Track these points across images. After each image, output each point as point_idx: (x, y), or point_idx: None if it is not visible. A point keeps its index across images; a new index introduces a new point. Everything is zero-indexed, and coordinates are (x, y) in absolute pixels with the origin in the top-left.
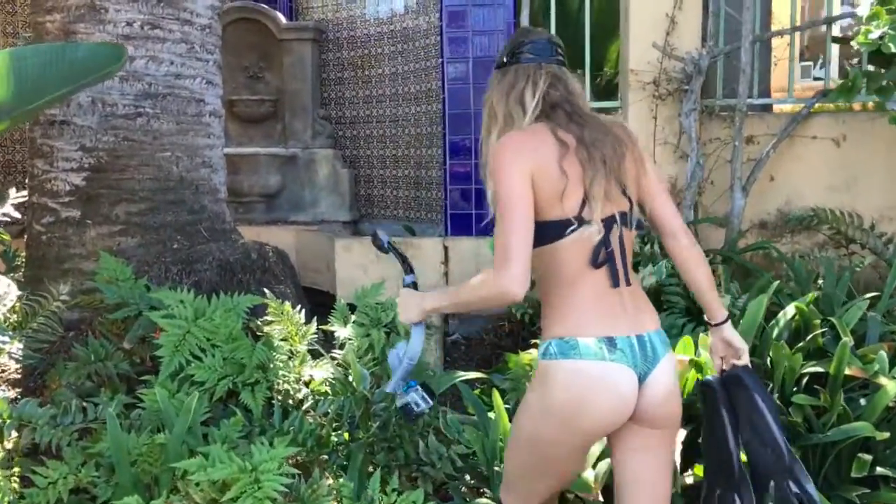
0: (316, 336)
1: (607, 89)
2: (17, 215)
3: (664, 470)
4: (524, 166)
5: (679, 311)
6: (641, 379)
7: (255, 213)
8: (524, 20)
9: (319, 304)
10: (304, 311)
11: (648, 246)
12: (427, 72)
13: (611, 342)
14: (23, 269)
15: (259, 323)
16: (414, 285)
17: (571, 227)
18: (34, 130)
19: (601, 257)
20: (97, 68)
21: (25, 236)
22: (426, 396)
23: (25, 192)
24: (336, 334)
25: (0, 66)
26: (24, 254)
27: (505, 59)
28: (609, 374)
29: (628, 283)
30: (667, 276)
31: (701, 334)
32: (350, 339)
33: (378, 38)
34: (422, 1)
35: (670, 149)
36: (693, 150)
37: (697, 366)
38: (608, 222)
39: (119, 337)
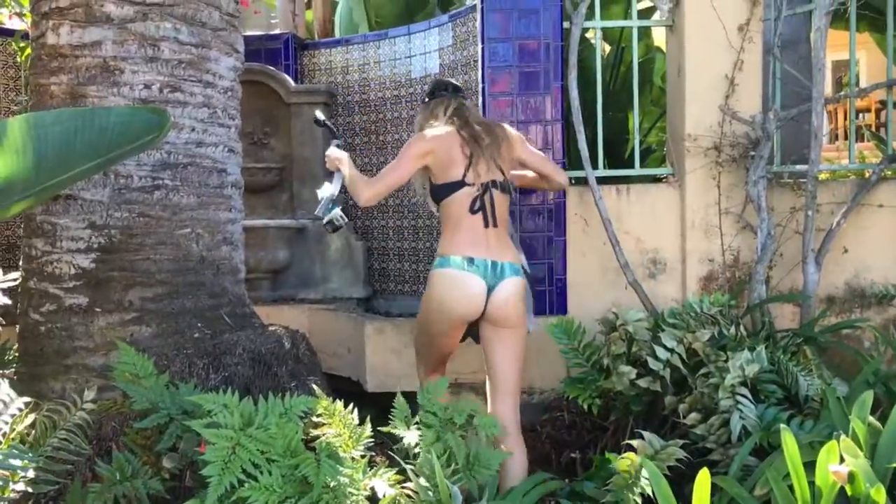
0: (372, 440)
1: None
2: (7, 301)
3: (511, 359)
4: (421, 148)
5: (777, 402)
6: (491, 289)
7: (261, 290)
8: (572, 83)
9: (336, 390)
10: (356, 410)
11: (733, 329)
12: None
13: (470, 260)
14: (15, 366)
15: (304, 425)
16: (339, 146)
17: (460, 186)
18: (33, 206)
19: (476, 206)
20: (133, 137)
21: (18, 327)
22: (343, 216)
23: (17, 275)
24: (403, 439)
25: (17, 134)
26: (16, 347)
27: (427, 98)
28: (465, 279)
29: (495, 226)
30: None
31: (843, 438)
32: (419, 445)
33: (394, 101)
34: (449, 63)
35: (733, 219)
36: (763, 220)
37: (851, 476)
38: (485, 185)
39: (146, 448)
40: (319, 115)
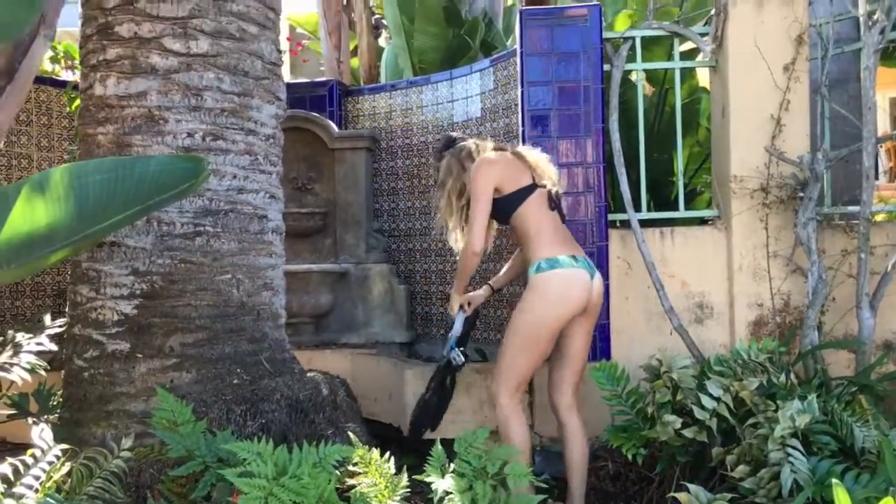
0: (408, 490)
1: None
2: (54, 347)
3: (587, 343)
4: (489, 171)
5: (831, 454)
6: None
7: (304, 335)
8: (613, 125)
9: (377, 435)
10: (392, 458)
11: (784, 376)
12: None
13: (574, 258)
14: (59, 411)
15: (339, 474)
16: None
17: (532, 189)
18: (79, 253)
19: (554, 203)
20: (172, 185)
21: (63, 372)
22: (461, 356)
23: (63, 321)
24: (434, 486)
25: (58, 183)
26: (60, 392)
27: (443, 150)
28: (577, 275)
29: (564, 221)
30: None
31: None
32: (450, 494)
33: (436, 145)
34: (490, 107)
35: (782, 262)
36: (814, 263)
37: None
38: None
39: (181, 496)
40: (453, 355)
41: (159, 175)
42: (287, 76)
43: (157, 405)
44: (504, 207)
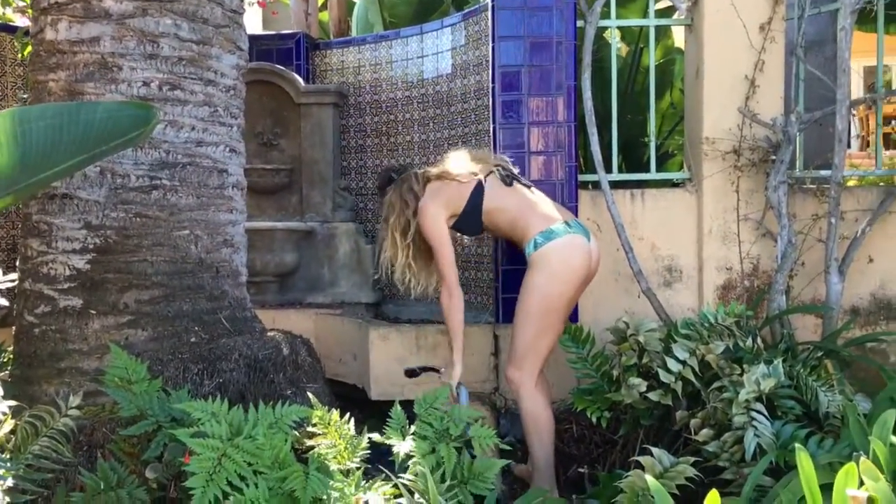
0: (368, 451)
1: (663, 159)
2: (5, 303)
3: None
4: (439, 214)
5: (795, 418)
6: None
7: (268, 294)
8: (585, 84)
9: (341, 396)
10: (352, 420)
11: (750, 341)
12: (466, 139)
13: (567, 224)
14: (9, 368)
15: (298, 435)
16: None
17: (482, 186)
18: (30, 206)
19: (507, 181)
20: (120, 133)
21: (14, 328)
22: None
23: (14, 276)
24: (395, 450)
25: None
26: (11, 349)
27: (386, 187)
28: (576, 240)
29: (531, 188)
30: (785, 379)
31: (862, 459)
32: (413, 457)
33: (406, 102)
34: (461, 63)
35: (752, 225)
36: (784, 227)
37: (871, 502)
38: (489, 170)
39: (133, 456)
40: (413, 368)
41: (107, 122)
42: (257, 31)
43: (111, 363)
44: (468, 223)
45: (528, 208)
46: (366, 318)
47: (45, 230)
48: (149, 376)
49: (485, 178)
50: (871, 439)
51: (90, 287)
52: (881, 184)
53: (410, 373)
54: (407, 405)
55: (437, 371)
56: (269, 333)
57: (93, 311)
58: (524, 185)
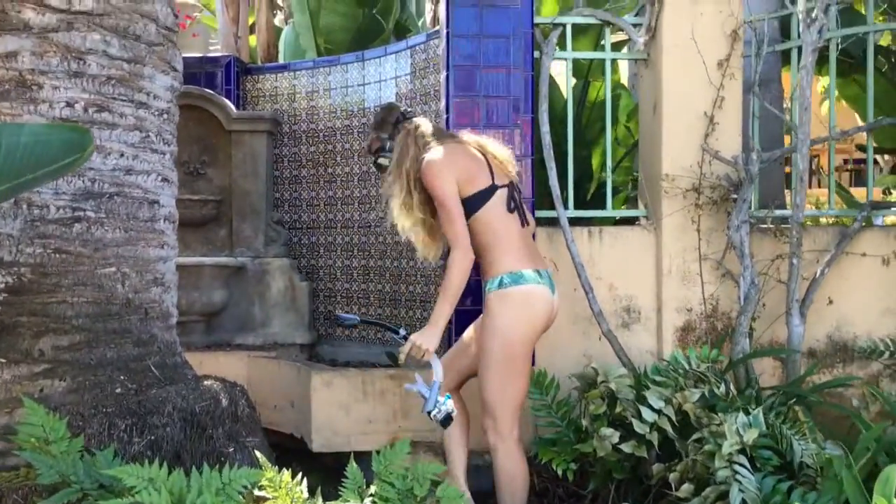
0: None
1: (598, 195)
2: None
3: None
4: (446, 173)
5: (773, 470)
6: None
7: (194, 334)
8: (543, 116)
9: (276, 446)
10: (304, 480)
11: (723, 387)
12: None
13: (538, 273)
14: None
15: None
16: (407, 334)
17: (492, 192)
18: None
19: (512, 205)
20: (49, 160)
21: None
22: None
23: None
24: None
25: None
26: None
27: (391, 126)
28: (543, 294)
29: (527, 224)
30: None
31: None
32: None
33: (345, 132)
34: (406, 92)
35: (711, 265)
36: (747, 267)
37: None
38: (510, 184)
39: None
40: (348, 315)
41: (33, 147)
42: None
43: (24, 418)
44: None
45: (508, 241)
46: (302, 360)
47: None
48: (69, 434)
49: (500, 185)
50: (876, 498)
51: (0, 331)
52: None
53: (341, 321)
54: (358, 458)
55: (393, 330)
56: (205, 382)
57: (2, 360)
58: (522, 218)
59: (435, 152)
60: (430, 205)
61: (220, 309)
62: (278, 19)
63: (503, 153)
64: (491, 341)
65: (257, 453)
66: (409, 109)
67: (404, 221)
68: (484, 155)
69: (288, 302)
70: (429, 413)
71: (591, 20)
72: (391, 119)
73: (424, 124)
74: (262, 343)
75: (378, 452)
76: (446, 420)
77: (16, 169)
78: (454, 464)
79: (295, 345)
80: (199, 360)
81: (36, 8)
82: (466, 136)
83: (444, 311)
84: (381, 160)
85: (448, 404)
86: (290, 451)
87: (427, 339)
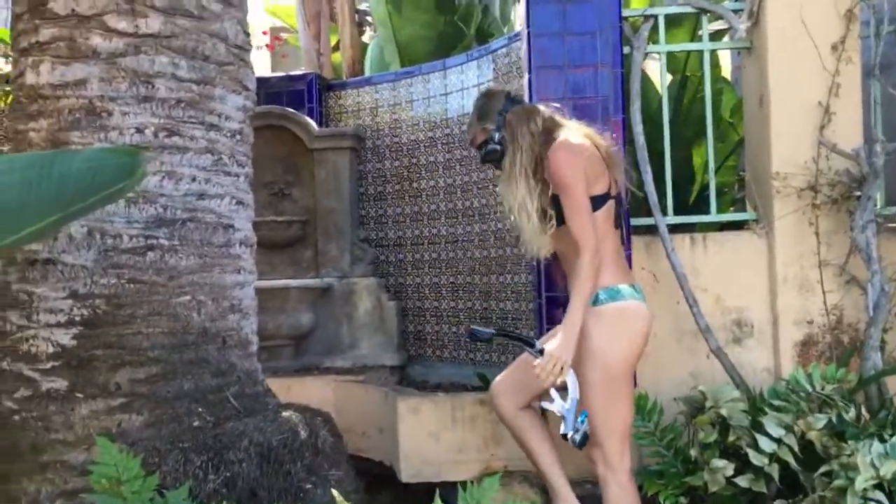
0: None
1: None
2: None
3: None
4: (581, 165)
5: None
6: None
7: (282, 358)
8: (635, 115)
9: (367, 473)
10: None
11: (853, 411)
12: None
13: (633, 287)
14: None
15: None
16: (540, 350)
17: (605, 200)
18: (8, 272)
19: (619, 221)
20: (101, 185)
21: None
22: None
23: None
24: None
25: None
26: None
27: (509, 104)
28: (644, 311)
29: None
30: None
31: None
32: None
33: (429, 144)
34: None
35: (833, 271)
36: (875, 273)
37: None
38: (619, 198)
39: None
40: (482, 329)
41: (85, 174)
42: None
43: (98, 458)
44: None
45: (609, 255)
46: (391, 384)
47: (26, 300)
48: (143, 473)
49: (612, 195)
50: None
51: (76, 366)
52: None
53: (476, 335)
54: (447, 488)
55: (528, 343)
56: (284, 413)
57: (79, 395)
58: (622, 235)
59: (572, 135)
60: (546, 196)
61: (307, 331)
62: (367, 36)
63: (618, 156)
64: (588, 364)
65: (333, 491)
66: (516, 93)
67: (523, 219)
68: (607, 161)
69: (376, 322)
70: (564, 436)
71: (686, 9)
72: (496, 106)
73: (541, 105)
74: (352, 366)
75: (464, 488)
76: (584, 441)
77: (69, 197)
78: (557, 485)
79: (384, 367)
80: (287, 386)
81: (103, 34)
82: (578, 125)
83: (577, 317)
84: (491, 148)
85: (586, 423)
86: (382, 478)
87: (564, 349)
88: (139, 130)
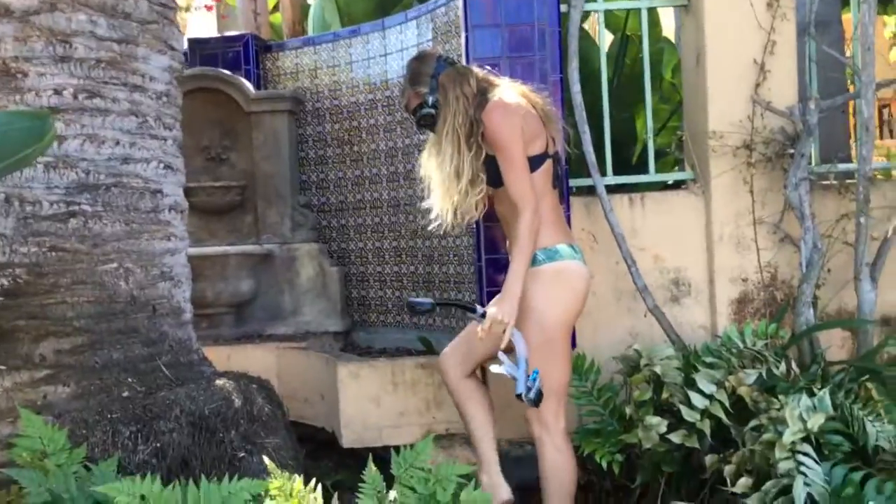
0: None
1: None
2: None
3: None
4: (518, 125)
5: (843, 457)
6: None
7: (223, 326)
8: (573, 75)
9: (309, 439)
10: (318, 488)
11: (783, 365)
12: None
13: (572, 248)
14: None
15: None
16: (485, 312)
17: (543, 160)
18: None
19: (557, 181)
20: (9, 150)
21: None
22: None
23: None
24: None
25: None
26: None
27: (441, 65)
28: (582, 271)
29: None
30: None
31: None
32: None
33: (369, 106)
34: None
35: (768, 229)
36: (808, 230)
37: None
38: (556, 155)
39: None
40: (421, 300)
41: None
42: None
43: (22, 430)
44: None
45: (546, 215)
46: (333, 350)
47: None
48: (69, 445)
49: (550, 155)
50: None
51: None
52: None
53: (415, 308)
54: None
55: (469, 309)
56: (218, 381)
57: (2, 367)
58: (561, 194)
59: (507, 94)
60: (479, 161)
61: (248, 299)
62: None
63: (555, 114)
64: (525, 324)
65: (265, 458)
66: (448, 55)
67: (452, 184)
68: (544, 119)
69: (319, 288)
70: (518, 396)
71: None
72: (428, 70)
73: (475, 67)
74: (294, 332)
75: (398, 452)
76: (538, 398)
77: None
78: (486, 454)
79: (328, 333)
80: (227, 354)
81: None
82: (513, 84)
83: (518, 278)
84: (426, 112)
85: (538, 381)
86: (325, 444)
87: (506, 311)
88: (57, 92)
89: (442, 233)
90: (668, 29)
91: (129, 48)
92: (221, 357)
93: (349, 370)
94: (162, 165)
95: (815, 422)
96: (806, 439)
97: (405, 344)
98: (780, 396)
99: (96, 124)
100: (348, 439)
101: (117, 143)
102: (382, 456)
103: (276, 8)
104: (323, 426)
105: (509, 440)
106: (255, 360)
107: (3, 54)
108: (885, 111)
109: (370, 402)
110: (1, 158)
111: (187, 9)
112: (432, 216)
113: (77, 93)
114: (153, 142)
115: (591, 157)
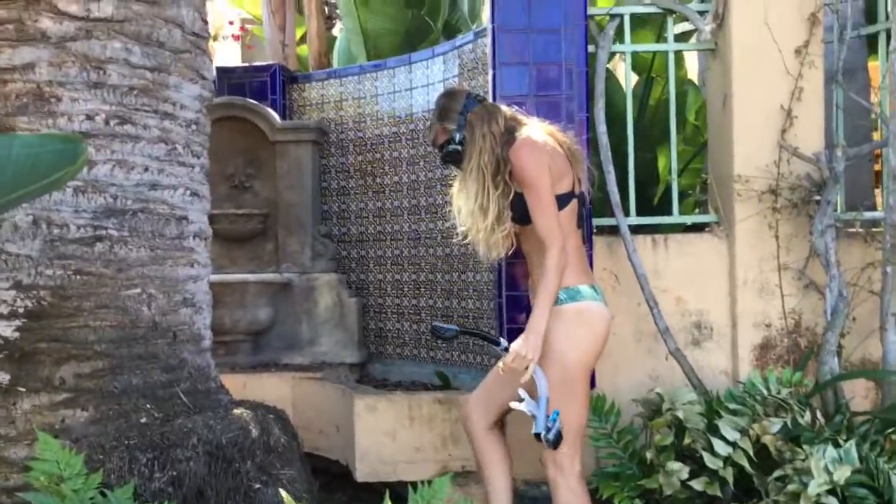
0: None
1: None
2: None
3: None
4: (546, 162)
5: None
6: None
7: (240, 354)
8: (599, 115)
9: (323, 472)
10: None
11: (808, 415)
12: None
13: (594, 288)
14: None
15: None
16: (508, 346)
17: (569, 199)
18: None
19: (581, 221)
20: (41, 173)
21: None
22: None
23: None
24: None
25: None
26: None
27: (469, 104)
28: (604, 313)
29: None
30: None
31: None
32: None
33: (393, 139)
34: None
35: (792, 275)
36: (834, 277)
37: None
38: (582, 197)
39: None
40: (446, 326)
41: (24, 160)
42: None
43: (39, 454)
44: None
45: (571, 255)
46: (349, 382)
47: None
48: (86, 470)
49: (576, 194)
50: None
51: (19, 359)
52: None
53: (440, 333)
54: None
55: (493, 342)
56: (235, 411)
57: (22, 389)
58: (584, 235)
59: (535, 132)
60: (506, 198)
61: (266, 327)
62: (337, 29)
63: (581, 153)
64: (544, 363)
65: (282, 491)
66: (477, 93)
67: (478, 221)
68: (571, 159)
69: (336, 319)
70: (537, 436)
71: (652, 9)
72: (457, 106)
73: (503, 105)
74: (310, 362)
75: (415, 488)
76: (557, 440)
77: (6, 184)
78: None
79: (344, 364)
80: (243, 383)
81: (53, 16)
82: (541, 123)
83: (544, 315)
84: (452, 149)
85: (558, 422)
86: (339, 476)
87: (531, 347)
88: (89, 117)
89: (462, 267)
90: (692, 70)
91: (162, 76)
92: (237, 385)
93: (366, 403)
94: (189, 192)
95: (842, 474)
96: (831, 492)
97: (421, 378)
98: (805, 446)
99: (126, 150)
100: (363, 473)
101: (146, 169)
102: (397, 492)
103: (303, 39)
104: (337, 459)
105: (525, 480)
106: (271, 388)
107: (38, 78)
108: None
109: (386, 436)
110: (32, 181)
111: (215, 38)
112: (465, 241)
113: (109, 119)
114: (181, 169)
115: (615, 196)
